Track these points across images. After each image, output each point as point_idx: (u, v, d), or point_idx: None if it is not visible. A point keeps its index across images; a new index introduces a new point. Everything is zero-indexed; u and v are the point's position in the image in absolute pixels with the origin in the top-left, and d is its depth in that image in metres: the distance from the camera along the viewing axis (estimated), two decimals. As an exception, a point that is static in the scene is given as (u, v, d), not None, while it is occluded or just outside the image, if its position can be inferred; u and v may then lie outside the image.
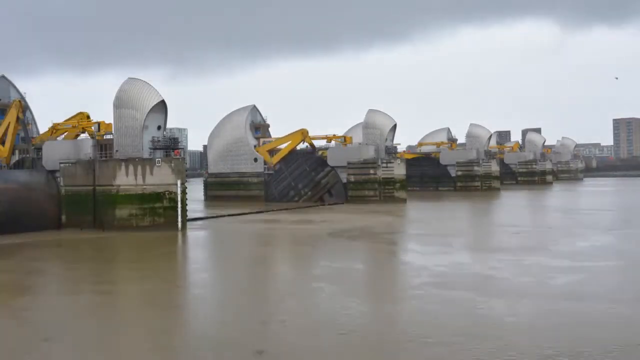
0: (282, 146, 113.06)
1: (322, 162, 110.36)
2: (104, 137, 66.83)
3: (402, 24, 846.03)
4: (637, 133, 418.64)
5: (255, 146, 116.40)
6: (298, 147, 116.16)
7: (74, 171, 66.15)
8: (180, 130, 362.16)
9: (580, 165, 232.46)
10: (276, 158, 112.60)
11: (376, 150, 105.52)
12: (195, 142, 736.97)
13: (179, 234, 58.91)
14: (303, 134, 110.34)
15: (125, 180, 62.55)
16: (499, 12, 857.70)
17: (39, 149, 72.24)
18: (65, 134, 73.51)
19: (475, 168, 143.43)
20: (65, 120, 73.15)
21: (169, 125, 68.62)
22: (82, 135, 70.64)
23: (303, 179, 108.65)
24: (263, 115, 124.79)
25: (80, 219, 64.26)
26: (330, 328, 23.12)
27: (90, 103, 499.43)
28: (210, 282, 35.55)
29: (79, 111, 72.95)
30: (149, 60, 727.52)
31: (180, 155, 64.11)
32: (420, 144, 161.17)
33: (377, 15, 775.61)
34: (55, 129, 72.95)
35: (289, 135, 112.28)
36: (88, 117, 71.63)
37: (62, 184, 67.15)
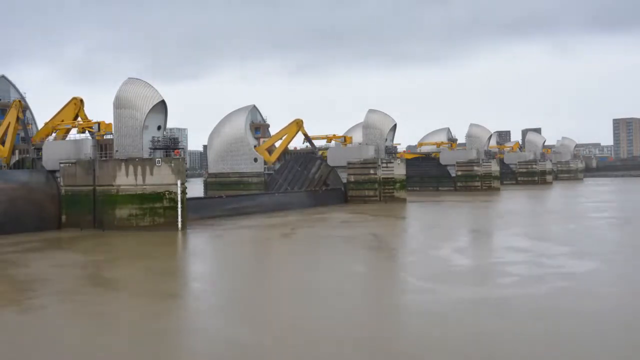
0: (281, 143, 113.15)
1: (311, 158, 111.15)
2: (104, 137, 66.79)
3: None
4: (637, 133, 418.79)
5: (255, 146, 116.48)
6: (299, 147, 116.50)
7: (74, 171, 66.12)
8: (180, 130, 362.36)
9: (580, 165, 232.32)
10: (275, 155, 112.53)
11: (376, 150, 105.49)
12: (195, 142, 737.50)
13: (179, 234, 58.89)
14: (298, 125, 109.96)
15: (125, 180, 62.55)
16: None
17: (39, 149, 72.20)
18: (56, 131, 73.31)
19: (475, 168, 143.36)
20: (61, 109, 72.63)
21: (169, 125, 68.64)
22: (82, 135, 70.41)
23: (297, 181, 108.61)
24: (263, 115, 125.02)
25: (80, 219, 64.24)
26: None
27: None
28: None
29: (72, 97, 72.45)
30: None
31: (180, 155, 64.07)
32: (420, 144, 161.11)
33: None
34: (55, 128, 72.75)
35: (284, 128, 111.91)
36: (82, 101, 71.33)
37: (62, 184, 67.13)
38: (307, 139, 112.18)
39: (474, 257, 41.64)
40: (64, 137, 71.90)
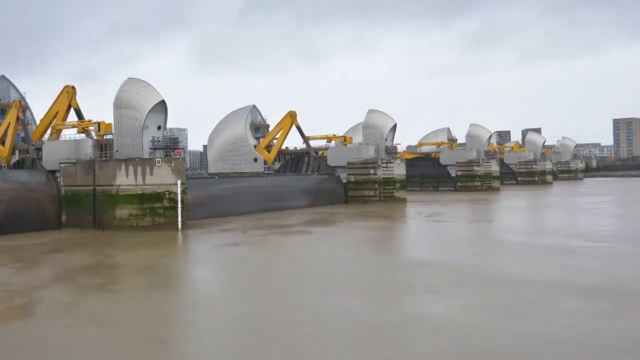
0: (279, 139, 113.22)
1: (300, 158, 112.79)
2: (104, 137, 66.83)
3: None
4: (637, 133, 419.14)
5: (255, 146, 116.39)
6: (299, 147, 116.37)
7: (74, 171, 66.13)
8: (180, 130, 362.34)
9: (581, 165, 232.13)
10: (273, 152, 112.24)
11: (376, 150, 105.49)
12: (195, 142, 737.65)
13: (179, 234, 58.86)
14: (292, 117, 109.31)
15: (125, 180, 62.56)
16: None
17: (39, 149, 72.22)
18: (49, 131, 73.37)
19: (475, 168, 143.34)
20: (54, 100, 72.39)
21: (169, 125, 68.66)
22: (82, 135, 70.33)
23: None
24: (263, 115, 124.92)
25: (80, 219, 64.26)
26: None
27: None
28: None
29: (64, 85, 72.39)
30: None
31: (180, 155, 64.12)
32: (420, 144, 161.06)
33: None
34: (55, 127, 72.70)
35: (279, 123, 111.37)
36: (74, 88, 71.18)
37: (62, 184, 67.13)
38: (300, 132, 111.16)
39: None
40: (57, 137, 71.75)
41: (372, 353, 20.38)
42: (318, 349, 21.00)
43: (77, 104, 71.28)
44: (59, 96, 72.15)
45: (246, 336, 22.90)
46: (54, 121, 72.28)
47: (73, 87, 71.26)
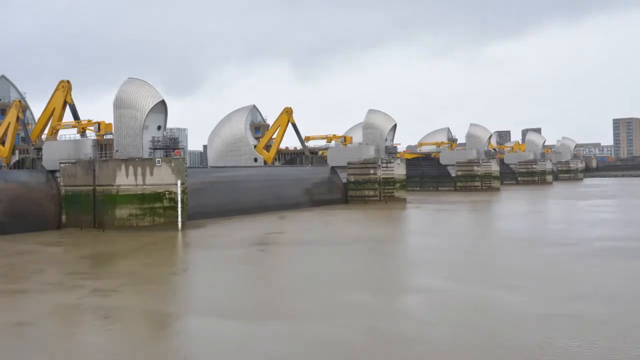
0: (277, 137, 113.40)
1: (292, 159, 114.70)
2: (104, 137, 66.78)
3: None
4: (637, 133, 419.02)
5: (255, 146, 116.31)
6: (299, 147, 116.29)
7: (74, 171, 66.10)
8: (180, 130, 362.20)
9: (581, 165, 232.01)
10: (272, 151, 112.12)
11: (376, 150, 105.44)
12: (195, 142, 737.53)
13: (179, 234, 58.83)
14: (288, 113, 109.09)
15: (125, 180, 62.53)
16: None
17: (39, 149, 72.16)
18: (46, 131, 73.26)
19: (475, 168, 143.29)
20: (51, 96, 72.05)
21: (169, 125, 68.61)
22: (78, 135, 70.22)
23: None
24: (263, 115, 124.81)
25: (80, 219, 64.21)
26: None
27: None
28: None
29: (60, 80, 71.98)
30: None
31: (180, 155, 64.10)
32: (420, 144, 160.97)
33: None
34: (54, 128, 72.59)
35: (276, 121, 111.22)
36: (69, 82, 70.99)
37: (62, 184, 67.09)
38: (296, 130, 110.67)
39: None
40: (55, 136, 71.61)
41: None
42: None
43: (72, 99, 71.05)
44: (55, 92, 71.90)
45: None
46: (52, 120, 72.25)
47: (68, 82, 71.01)
